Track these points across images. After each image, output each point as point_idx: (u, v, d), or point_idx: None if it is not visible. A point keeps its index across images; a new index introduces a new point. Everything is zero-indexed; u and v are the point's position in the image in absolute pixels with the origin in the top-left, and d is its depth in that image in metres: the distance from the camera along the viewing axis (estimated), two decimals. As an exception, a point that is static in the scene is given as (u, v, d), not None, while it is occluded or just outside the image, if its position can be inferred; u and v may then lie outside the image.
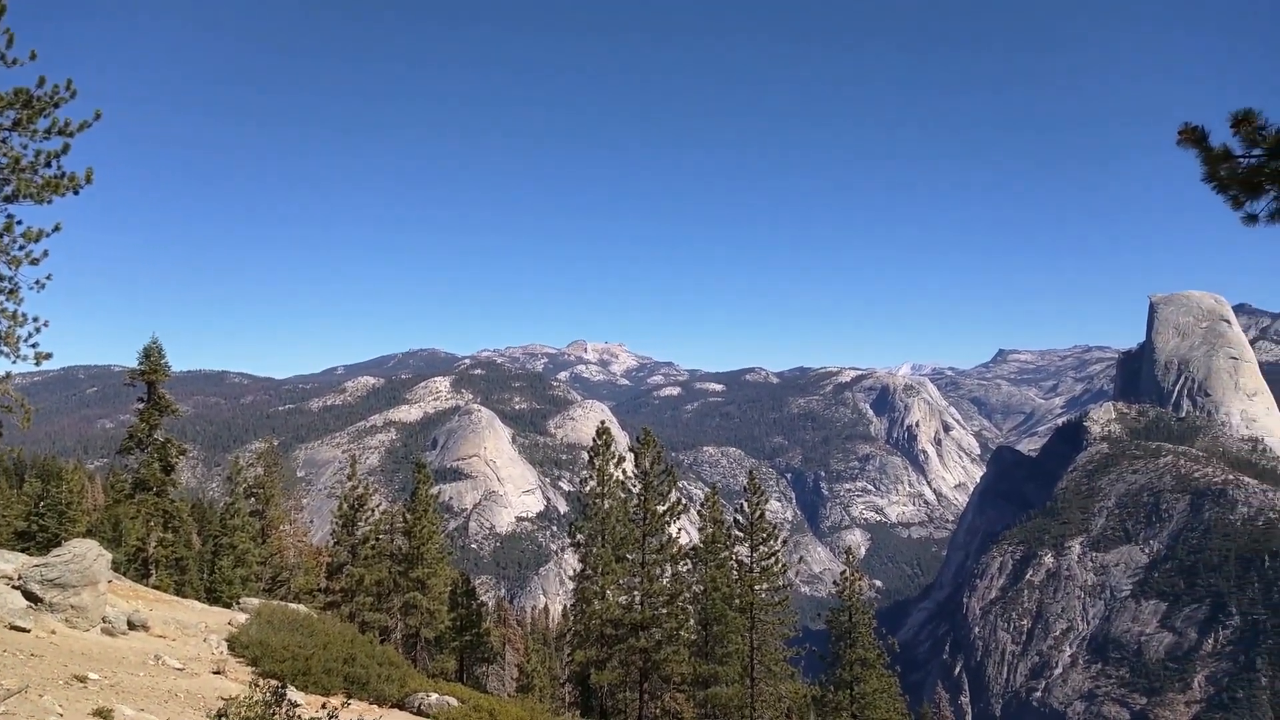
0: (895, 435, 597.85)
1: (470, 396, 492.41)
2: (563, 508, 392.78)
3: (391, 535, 53.61)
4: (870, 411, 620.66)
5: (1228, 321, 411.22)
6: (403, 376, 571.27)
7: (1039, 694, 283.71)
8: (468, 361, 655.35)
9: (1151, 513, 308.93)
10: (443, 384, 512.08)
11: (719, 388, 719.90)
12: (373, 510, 54.55)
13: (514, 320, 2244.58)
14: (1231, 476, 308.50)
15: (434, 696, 25.22)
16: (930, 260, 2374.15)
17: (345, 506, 54.22)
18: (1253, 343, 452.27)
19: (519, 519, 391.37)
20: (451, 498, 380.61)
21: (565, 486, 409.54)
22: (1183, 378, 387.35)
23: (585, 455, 46.69)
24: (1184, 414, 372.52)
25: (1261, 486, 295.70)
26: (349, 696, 22.97)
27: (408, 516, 50.74)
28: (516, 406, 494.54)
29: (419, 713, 24.33)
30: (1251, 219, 10.58)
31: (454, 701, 25.11)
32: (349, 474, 56.34)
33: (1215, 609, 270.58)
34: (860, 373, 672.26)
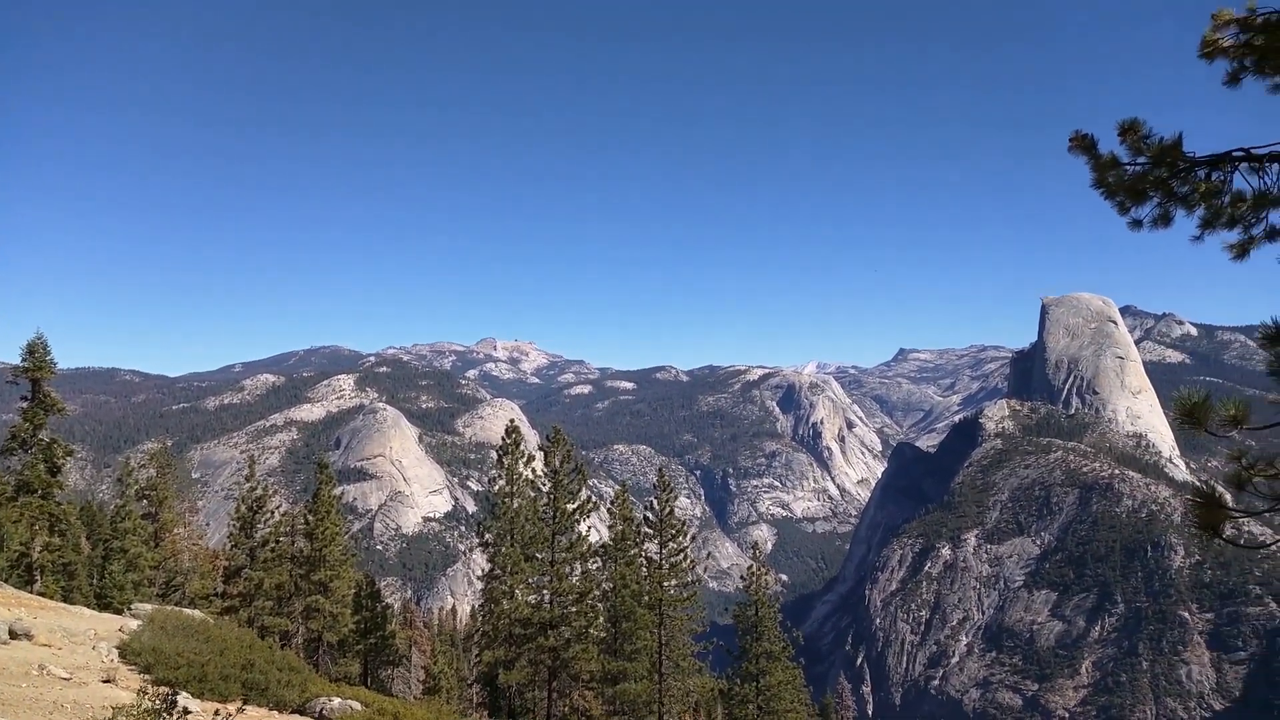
0: (801, 432, 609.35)
1: (375, 395, 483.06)
2: (471, 507, 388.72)
3: (292, 538, 52.28)
4: (777, 409, 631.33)
5: (1114, 322, 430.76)
6: (304, 374, 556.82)
7: (936, 682, 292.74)
8: (373, 359, 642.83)
9: (1043, 506, 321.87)
10: (346, 382, 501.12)
11: (630, 386, 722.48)
12: (272, 512, 53.12)
13: (421, 317, 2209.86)
14: (1117, 471, 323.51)
15: (336, 701, 24.75)
16: (834, 262, 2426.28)
17: (243, 508, 52.68)
18: (1138, 343, 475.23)
19: (426, 519, 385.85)
20: (356, 499, 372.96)
21: (474, 486, 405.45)
22: (1072, 376, 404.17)
23: (494, 454, 46.39)
24: (1073, 411, 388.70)
25: (1145, 480, 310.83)
26: (246, 703, 22.37)
27: (309, 518, 49.59)
28: (424, 405, 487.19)
29: (320, 718, 23.84)
30: (1136, 224, 11.12)
31: (357, 705, 24.69)
32: (247, 475, 54.69)
33: (1102, 597, 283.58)
34: (768, 371, 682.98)
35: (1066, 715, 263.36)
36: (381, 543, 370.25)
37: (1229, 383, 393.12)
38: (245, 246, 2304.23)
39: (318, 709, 24.31)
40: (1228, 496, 8.94)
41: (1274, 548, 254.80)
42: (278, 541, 51.88)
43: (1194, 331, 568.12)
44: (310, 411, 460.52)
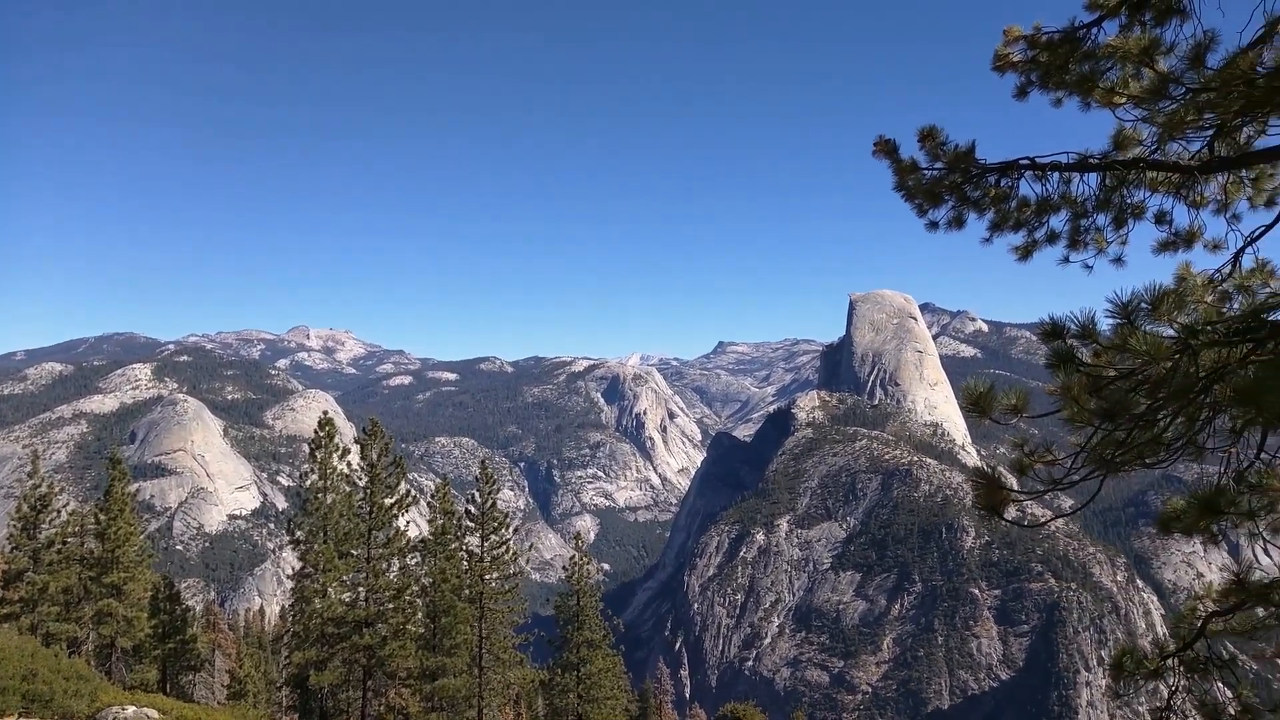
0: (625, 423, 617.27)
1: (176, 385, 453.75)
2: (281, 504, 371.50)
3: (82, 538, 48.42)
4: (602, 400, 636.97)
5: (915, 318, 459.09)
6: (96, 363, 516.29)
7: (750, 663, 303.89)
8: (173, 347, 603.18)
9: (849, 492, 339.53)
10: (143, 371, 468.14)
11: (452, 377, 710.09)
12: (59, 511, 49.01)
13: (227, 303, 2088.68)
14: (916, 458, 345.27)
15: (130, 710, 23.19)
16: (656, 257, 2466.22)
17: (25, 507, 48.34)
18: (935, 338, 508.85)
19: (232, 517, 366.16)
20: (153, 496, 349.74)
21: (285, 481, 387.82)
22: (876, 369, 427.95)
23: (307, 448, 44.50)
24: (877, 402, 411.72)
25: (941, 466, 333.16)
26: (26, 715, 20.58)
27: (101, 517, 46.08)
28: (229, 396, 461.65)
29: (112, 730, 22.24)
30: (933, 225, 11.79)
31: (153, 713, 23.21)
32: (30, 471, 50.21)
33: (901, 577, 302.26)
34: (593, 362, 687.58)
35: (869, 690, 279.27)
36: (182, 542, 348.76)
37: (1015, 375, 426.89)
38: (24, 224, 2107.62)
39: (109, 718, 22.72)
40: (1011, 480, 9.63)
41: (1052, 527, 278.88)
42: (65, 542, 47.94)
43: (985, 328, 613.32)
44: (102, 403, 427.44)
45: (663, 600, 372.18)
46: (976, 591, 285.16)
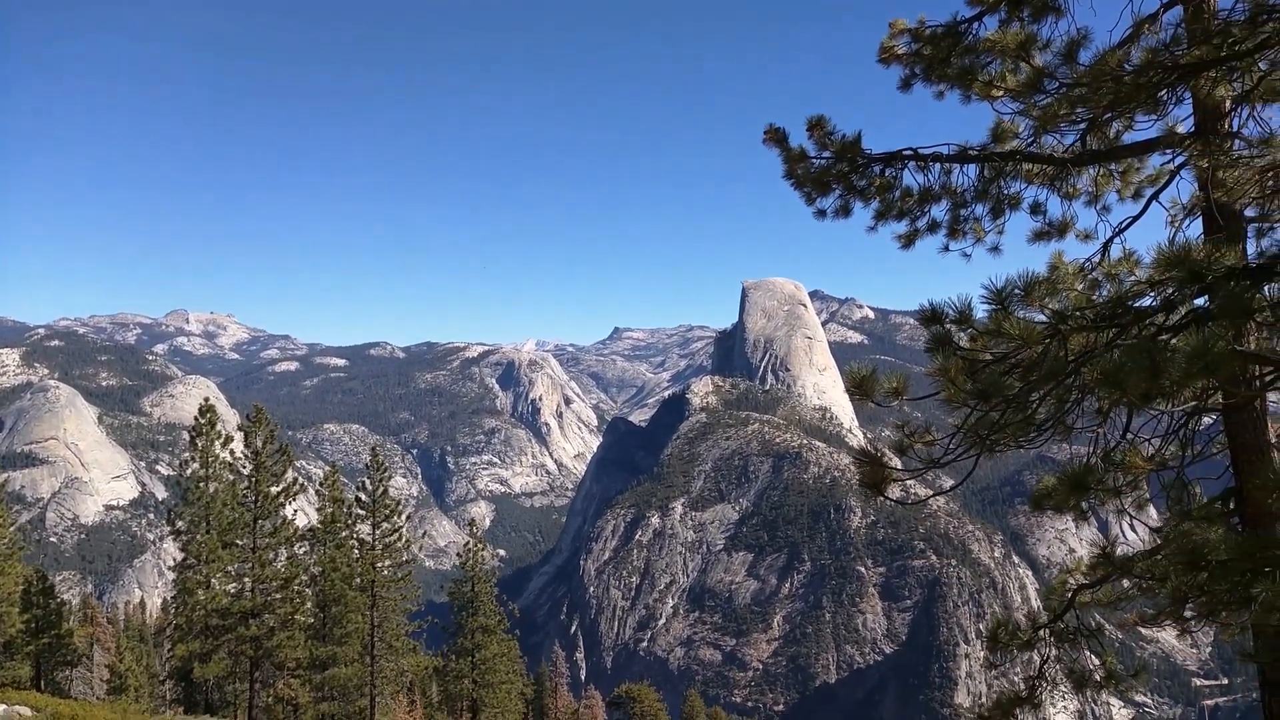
0: (520, 409, 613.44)
1: (46, 371, 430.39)
2: (161, 494, 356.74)
3: (-61, 533, 45.46)
4: (497, 386, 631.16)
5: (805, 305, 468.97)
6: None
7: (645, 644, 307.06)
8: (42, 331, 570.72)
9: (741, 474, 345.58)
10: (10, 357, 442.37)
11: (341, 363, 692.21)
12: (-88, 505, 45.87)
13: (99, 285, 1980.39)
14: (806, 441, 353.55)
15: (1, 708, 22.00)
16: (547, 242, 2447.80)
17: (-127, 502, 45.11)
18: (824, 324, 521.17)
19: (109, 507, 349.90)
20: (24, 486, 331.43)
21: (165, 470, 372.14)
22: (768, 355, 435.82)
23: (187, 436, 42.80)
24: (769, 387, 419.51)
25: (829, 449, 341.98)
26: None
27: (-39, 510, 43.35)
28: (104, 383, 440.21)
29: (-23, 732, 21.09)
30: (821, 214, 12.01)
31: (26, 711, 22.07)
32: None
33: (791, 557, 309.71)
34: (488, 348, 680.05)
35: (760, 667, 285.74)
36: (56, 534, 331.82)
37: (900, 361, 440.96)
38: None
39: (-29, 723, 21.53)
40: (894, 460, 9.91)
41: (934, 506, 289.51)
42: (-81, 538, 44.93)
43: (872, 315, 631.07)
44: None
45: (559, 584, 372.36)
46: (863, 569, 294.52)
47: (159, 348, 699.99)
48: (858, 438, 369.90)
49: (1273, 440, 9.70)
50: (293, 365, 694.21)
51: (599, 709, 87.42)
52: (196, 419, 41.06)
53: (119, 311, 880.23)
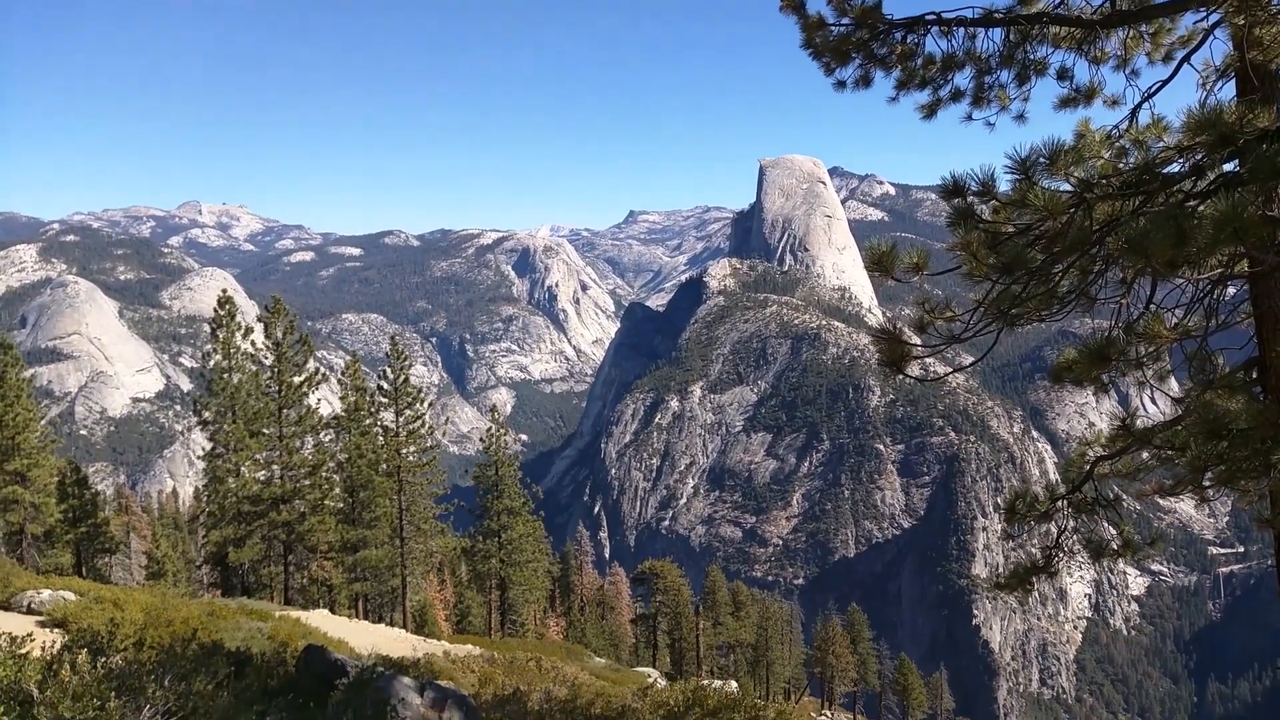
0: (537, 296, 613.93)
1: (64, 266, 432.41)
2: (186, 385, 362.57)
3: (-24, 429, 46.48)
4: (513, 273, 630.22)
5: (824, 183, 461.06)
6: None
7: (667, 523, 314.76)
8: (57, 226, 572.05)
9: (759, 357, 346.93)
10: (28, 253, 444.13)
11: (356, 252, 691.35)
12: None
13: (111, 178, 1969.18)
14: (825, 322, 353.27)
15: (46, 593, 22.86)
16: (563, 124, 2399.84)
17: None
18: (844, 202, 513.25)
19: (135, 400, 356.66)
20: (51, 381, 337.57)
21: (187, 363, 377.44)
22: (786, 235, 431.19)
23: (208, 328, 43.13)
24: (787, 268, 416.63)
25: (848, 330, 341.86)
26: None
27: (-5, 405, 44.19)
28: (122, 277, 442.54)
29: (29, 611, 21.98)
30: (841, 85, 11.57)
31: (70, 595, 22.94)
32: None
33: (810, 437, 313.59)
34: (502, 235, 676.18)
35: (780, 543, 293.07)
36: (86, 427, 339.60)
37: (921, 238, 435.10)
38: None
39: (25, 603, 22.42)
40: (913, 337, 9.83)
41: (953, 384, 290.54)
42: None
43: (892, 191, 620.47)
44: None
45: (581, 467, 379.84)
46: (881, 447, 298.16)
47: (173, 240, 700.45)
48: (877, 317, 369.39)
49: (1299, 308, 9.54)
50: (308, 255, 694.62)
51: (623, 585, 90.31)
52: (216, 311, 41.28)
53: (131, 205, 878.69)
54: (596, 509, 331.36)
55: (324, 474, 39.73)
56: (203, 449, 41.18)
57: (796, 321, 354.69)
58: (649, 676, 37.33)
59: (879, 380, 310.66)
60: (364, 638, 24.86)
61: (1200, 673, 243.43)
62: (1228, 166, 8.32)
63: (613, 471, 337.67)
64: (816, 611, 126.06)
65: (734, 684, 39.58)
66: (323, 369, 42.30)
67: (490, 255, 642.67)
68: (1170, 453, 9.74)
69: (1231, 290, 10.14)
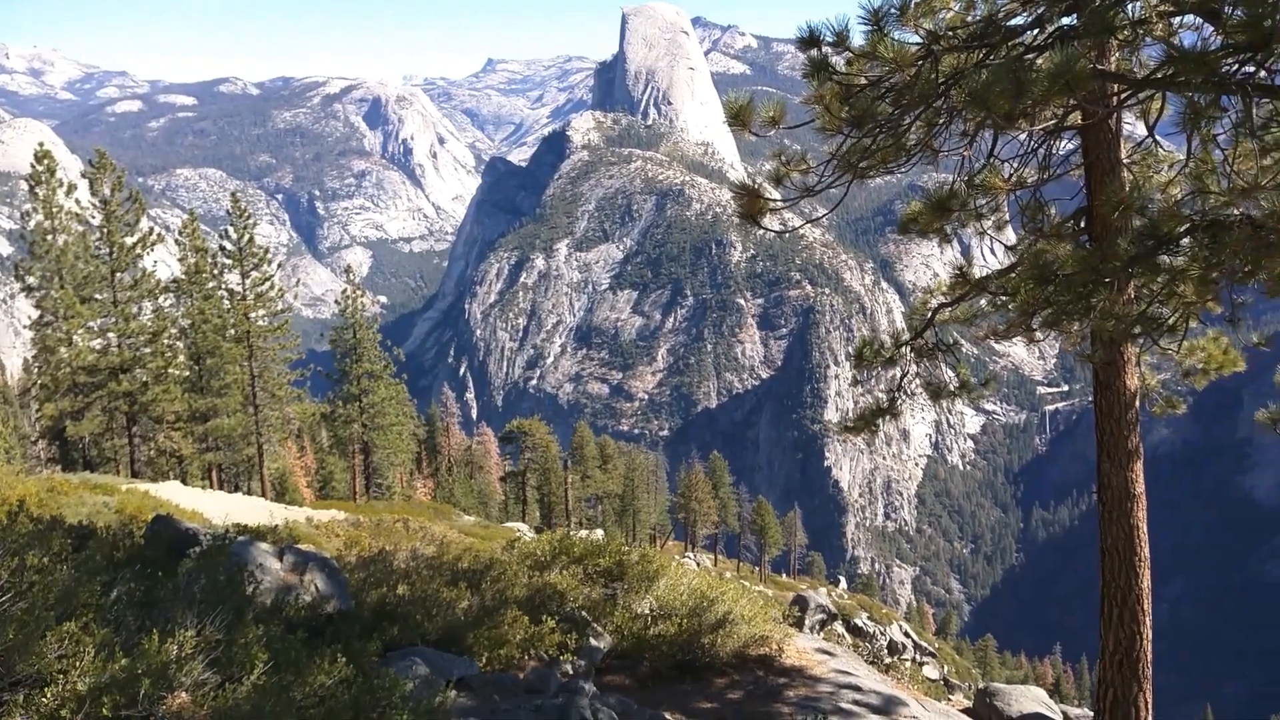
0: (391, 149, 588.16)
1: None
2: (5, 249, 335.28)
3: None
4: (363, 125, 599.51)
5: (686, 33, 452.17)
6: None
7: (535, 382, 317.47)
8: None
9: (625, 213, 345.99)
10: None
11: (189, 101, 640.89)
12: None
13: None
14: (688, 178, 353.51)
15: None
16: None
17: None
18: (706, 54, 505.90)
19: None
20: None
21: (4, 224, 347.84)
22: (650, 87, 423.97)
23: (25, 185, 39.54)
24: (651, 122, 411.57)
25: (711, 185, 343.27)
26: None
27: None
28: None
29: None
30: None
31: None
32: None
33: (675, 293, 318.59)
34: (350, 83, 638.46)
35: (646, 397, 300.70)
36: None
37: (783, 92, 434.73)
38: None
39: None
40: (772, 191, 9.87)
41: (810, 238, 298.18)
42: None
43: (754, 43, 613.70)
44: None
45: (444, 329, 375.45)
46: (742, 301, 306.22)
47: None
48: (739, 172, 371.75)
49: (1123, 160, 10.03)
50: (135, 105, 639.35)
51: (491, 444, 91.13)
52: (33, 166, 37.77)
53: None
54: (462, 370, 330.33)
55: (166, 341, 37.82)
56: (29, 317, 38.44)
57: (661, 177, 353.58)
58: (518, 531, 38.25)
59: (741, 236, 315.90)
60: (220, 507, 24.35)
61: (1026, 501, 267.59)
62: (1067, 21, 8.47)
63: (478, 332, 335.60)
64: (680, 460, 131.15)
65: (600, 532, 41.04)
66: (158, 229, 39.64)
67: (338, 105, 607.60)
68: (1004, 298, 10.27)
69: (1069, 146, 10.55)
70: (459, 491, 68.81)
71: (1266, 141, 7.55)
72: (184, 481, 36.38)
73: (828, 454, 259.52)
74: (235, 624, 7.12)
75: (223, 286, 41.29)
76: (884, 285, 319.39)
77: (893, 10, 8.34)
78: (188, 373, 39.94)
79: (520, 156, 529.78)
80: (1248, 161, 7.76)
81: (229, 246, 40.73)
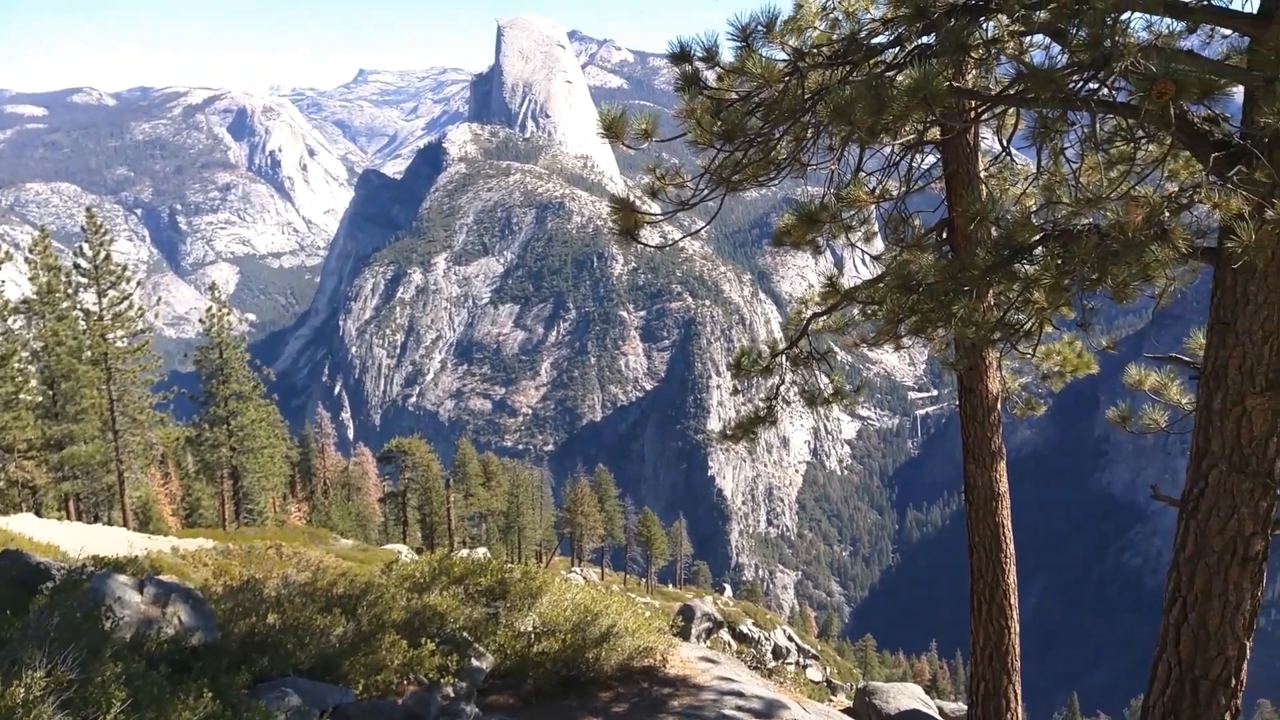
0: (258, 162, 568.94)
1: None
2: None
3: None
4: (228, 137, 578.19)
5: (563, 46, 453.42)
6: None
7: (414, 399, 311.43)
8: None
9: (505, 227, 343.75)
10: None
11: (39, 112, 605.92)
12: None
13: None
14: (568, 191, 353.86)
15: None
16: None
17: None
18: (584, 68, 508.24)
19: None
20: None
21: None
22: (527, 100, 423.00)
23: None
24: (529, 134, 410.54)
25: (592, 198, 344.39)
26: None
27: None
28: None
29: None
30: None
31: None
32: None
33: (557, 306, 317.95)
34: (213, 93, 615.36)
35: (530, 412, 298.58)
36: None
37: (658, 105, 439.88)
38: None
39: None
40: (650, 204, 9.95)
41: (690, 251, 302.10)
42: None
43: (630, 58, 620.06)
44: None
45: (318, 347, 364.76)
46: (625, 314, 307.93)
47: None
48: (618, 185, 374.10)
49: (981, 173, 10.53)
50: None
51: (369, 464, 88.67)
52: None
53: None
54: (337, 389, 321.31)
55: (16, 365, 35.52)
56: None
57: (541, 190, 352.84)
58: (398, 552, 37.33)
59: (621, 248, 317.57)
60: (77, 539, 22.95)
61: (901, 503, 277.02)
62: (925, 40, 8.83)
63: (353, 350, 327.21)
64: (566, 475, 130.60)
65: (483, 550, 40.44)
66: (7, 246, 37.21)
67: (200, 116, 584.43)
68: (873, 307, 10.62)
69: (931, 160, 11.01)
70: (336, 514, 66.78)
71: (1111, 155, 8.06)
72: (38, 513, 34.18)
73: (711, 463, 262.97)
74: (91, 662, 6.72)
75: (78, 306, 39.04)
76: (762, 296, 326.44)
77: (760, 28, 8.54)
78: (40, 398, 37.57)
79: (395, 169, 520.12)
80: (1094, 174, 8.25)
81: (84, 264, 38.53)
